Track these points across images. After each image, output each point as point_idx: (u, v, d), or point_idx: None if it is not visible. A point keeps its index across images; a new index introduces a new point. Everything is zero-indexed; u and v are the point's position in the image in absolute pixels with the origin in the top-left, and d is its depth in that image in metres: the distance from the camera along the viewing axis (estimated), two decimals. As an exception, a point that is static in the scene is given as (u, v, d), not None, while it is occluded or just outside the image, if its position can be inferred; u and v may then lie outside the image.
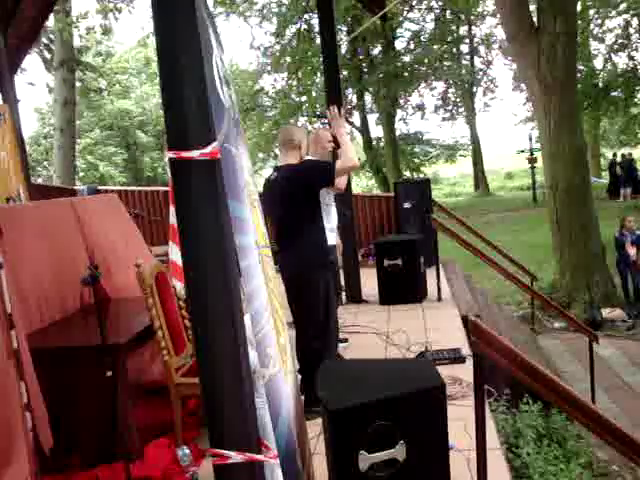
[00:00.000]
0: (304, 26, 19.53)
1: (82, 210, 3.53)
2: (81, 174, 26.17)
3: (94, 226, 3.61)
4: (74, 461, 2.84)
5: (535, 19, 9.26)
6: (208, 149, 1.44)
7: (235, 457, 1.52)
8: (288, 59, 20.54)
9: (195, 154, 1.44)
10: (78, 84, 16.41)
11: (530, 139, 22.71)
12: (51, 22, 12.84)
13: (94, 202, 4.05)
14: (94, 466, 2.81)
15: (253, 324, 1.59)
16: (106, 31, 15.21)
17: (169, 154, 1.48)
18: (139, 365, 3.09)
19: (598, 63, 21.35)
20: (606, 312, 9.08)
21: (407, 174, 24.28)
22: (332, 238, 4.29)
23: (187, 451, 2.80)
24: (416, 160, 26.65)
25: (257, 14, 20.13)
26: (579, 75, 16.37)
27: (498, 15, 11.48)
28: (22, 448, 2.57)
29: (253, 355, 2.10)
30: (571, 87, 9.44)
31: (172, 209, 1.73)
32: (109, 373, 2.42)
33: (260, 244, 1.99)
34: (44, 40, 14.02)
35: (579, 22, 12.46)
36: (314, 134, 4.46)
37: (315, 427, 2.81)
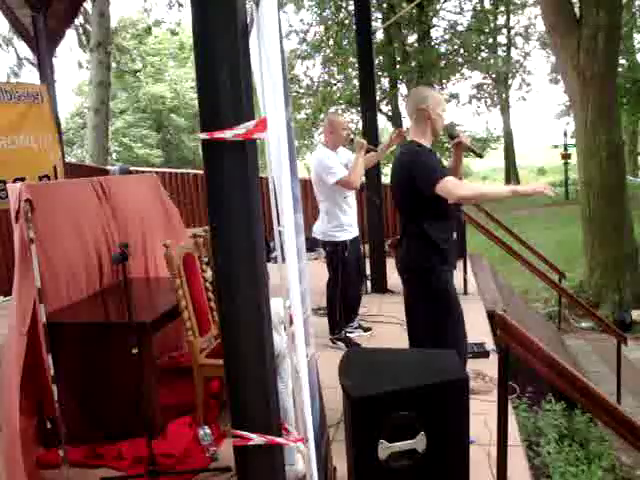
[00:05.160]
0: (342, 14, 19.41)
1: (108, 189, 3.55)
2: (115, 156, 26.56)
3: (120, 205, 3.64)
4: (98, 434, 2.90)
5: (577, 10, 9.01)
6: (241, 130, 1.44)
7: (256, 439, 1.53)
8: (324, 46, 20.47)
9: (228, 135, 1.44)
10: (113, 65, 16.59)
11: (565, 134, 22.20)
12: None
13: (123, 181, 4.06)
14: (117, 440, 2.87)
15: (302, 302, 1.60)
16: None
17: (202, 135, 1.48)
18: (164, 344, 3.13)
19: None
20: (636, 314, 8.88)
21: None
22: (356, 230, 4.19)
23: (208, 431, 2.85)
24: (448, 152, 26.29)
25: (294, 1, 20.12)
26: (620, 69, 15.87)
27: (539, 5, 11.18)
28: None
29: (277, 339, 2.11)
30: (611, 81, 9.16)
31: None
32: (135, 350, 2.45)
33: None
34: (82, 21, 14.19)
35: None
36: (328, 120, 4.21)
37: (335, 414, 2.82)
